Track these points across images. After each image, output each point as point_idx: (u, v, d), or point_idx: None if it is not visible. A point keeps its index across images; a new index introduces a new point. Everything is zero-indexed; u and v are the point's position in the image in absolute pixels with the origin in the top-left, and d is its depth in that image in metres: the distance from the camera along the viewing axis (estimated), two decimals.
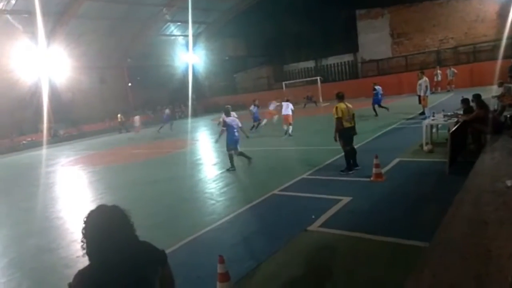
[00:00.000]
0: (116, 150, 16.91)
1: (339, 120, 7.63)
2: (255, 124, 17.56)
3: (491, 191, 4.12)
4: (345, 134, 7.75)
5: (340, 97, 7.90)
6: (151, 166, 12.66)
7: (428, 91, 13.95)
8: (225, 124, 9.73)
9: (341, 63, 33.12)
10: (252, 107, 17.56)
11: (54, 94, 27.35)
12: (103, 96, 31.85)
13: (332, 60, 33.52)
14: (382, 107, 16.06)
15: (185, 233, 5.60)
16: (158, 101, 35.67)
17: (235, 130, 9.60)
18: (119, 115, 28.63)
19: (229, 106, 10.42)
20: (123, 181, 10.86)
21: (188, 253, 5.01)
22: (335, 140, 7.85)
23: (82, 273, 1.73)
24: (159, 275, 1.85)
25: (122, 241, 1.74)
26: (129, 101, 34.55)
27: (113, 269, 1.69)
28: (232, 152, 9.64)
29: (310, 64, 34.76)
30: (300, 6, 29.79)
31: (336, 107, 7.67)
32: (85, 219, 1.77)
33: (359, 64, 31.23)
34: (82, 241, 1.74)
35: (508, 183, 4.16)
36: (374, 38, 29.33)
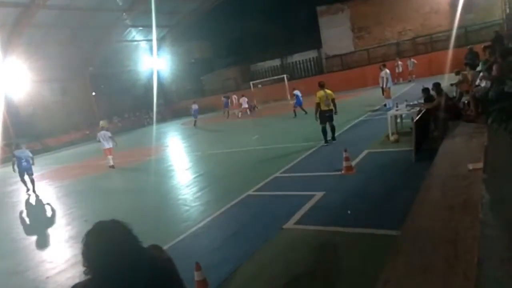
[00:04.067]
0: (84, 162, 16.33)
1: (317, 104, 9.80)
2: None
3: (455, 176, 4.29)
4: (323, 115, 9.85)
5: (321, 86, 9.92)
6: (121, 176, 12.32)
7: (390, 83, 14.42)
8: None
9: (306, 59, 33.59)
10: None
11: (12, 110, 26.10)
12: (66, 108, 30.71)
13: (297, 57, 33.95)
14: (303, 109, 18.01)
15: (159, 243, 5.45)
16: (123, 108, 34.84)
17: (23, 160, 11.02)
18: (101, 122, 27.83)
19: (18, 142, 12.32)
20: (93, 194, 10.51)
21: None
22: (316, 116, 9.98)
23: (84, 285, 1.61)
24: (172, 285, 1.77)
25: (128, 253, 1.63)
26: (94, 110, 33.49)
27: (119, 282, 1.58)
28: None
29: (276, 62, 35.04)
30: (263, 6, 30.02)
31: (316, 94, 9.84)
32: (85, 239, 1.64)
33: (324, 59, 31.80)
34: (83, 264, 1.60)
35: (470, 166, 4.34)
36: (336, 33, 29.95)
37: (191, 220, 6.34)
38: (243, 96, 25.02)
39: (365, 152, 8.45)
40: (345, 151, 7.26)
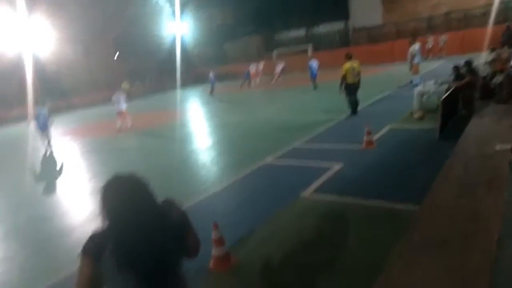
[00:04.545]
0: (106, 122, 16.67)
1: (343, 76, 9.74)
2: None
3: (480, 155, 4.20)
4: (349, 87, 9.84)
5: (348, 57, 9.87)
6: (142, 138, 12.57)
7: (419, 58, 13.88)
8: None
9: (332, 31, 32.53)
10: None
11: (39, 67, 26.59)
12: (89, 68, 31.06)
13: (323, 28, 32.89)
14: (314, 83, 17.56)
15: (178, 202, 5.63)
16: (145, 72, 34.98)
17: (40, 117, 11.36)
18: (123, 84, 28.19)
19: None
20: (114, 153, 10.81)
21: None
22: (340, 88, 9.96)
23: (101, 234, 1.70)
24: (182, 238, 1.83)
25: (143, 205, 1.73)
26: (116, 73, 33.75)
27: (134, 232, 1.67)
28: None
29: (301, 32, 34.07)
30: None
31: (343, 66, 9.76)
32: (103, 189, 1.73)
33: (350, 32, 30.75)
34: (101, 213, 1.69)
35: (497, 147, 4.23)
36: (365, 5, 28.77)
37: (209, 183, 6.48)
38: (277, 62, 25.12)
39: (387, 127, 8.31)
40: (367, 125, 7.16)
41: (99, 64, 32.00)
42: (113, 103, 13.84)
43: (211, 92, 22.53)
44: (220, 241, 3.71)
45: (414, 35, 16.48)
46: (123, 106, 13.64)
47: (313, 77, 17.67)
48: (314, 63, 17.86)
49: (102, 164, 9.47)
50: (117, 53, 34.08)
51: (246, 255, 3.91)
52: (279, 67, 24.47)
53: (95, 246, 1.66)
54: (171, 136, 11.73)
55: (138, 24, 33.16)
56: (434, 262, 2.55)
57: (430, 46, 22.87)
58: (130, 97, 28.52)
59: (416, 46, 13.78)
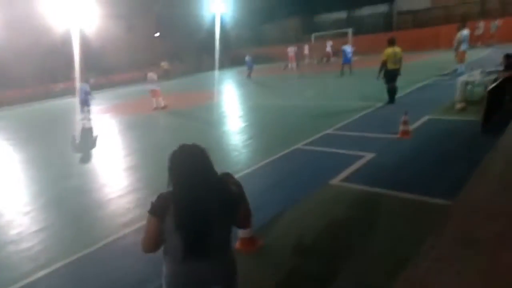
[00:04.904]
0: (144, 100, 17.17)
1: (384, 62, 9.48)
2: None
3: None
4: (389, 73, 9.52)
5: (391, 42, 9.57)
6: (177, 117, 12.86)
7: (466, 45, 13.06)
8: None
9: (375, 13, 31.20)
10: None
11: (84, 43, 27.62)
12: (130, 45, 31.86)
13: (366, 11, 31.63)
14: (349, 68, 17.27)
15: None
16: (185, 51, 35.39)
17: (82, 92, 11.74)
18: (162, 63, 29.22)
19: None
20: (151, 129, 11.17)
21: None
22: (378, 74, 9.67)
23: (166, 196, 1.91)
24: (235, 207, 2.01)
25: (204, 173, 1.93)
26: (157, 50, 34.43)
27: (194, 196, 1.86)
28: None
29: (342, 15, 32.99)
30: None
31: (384, 51, 9.49)
32: (171, 156, 1.93)
33: (395, 15, 29.36)
34: (168, 178, 1.92)
35: None
36: None
37: (241, 164, 6.56)
38: (329, 40, 25.54)
39: (426, 117, 7.98)
40: (405, 114, 6.91)
41: (140, 42, 32.73)
42: (147, 82, 14.47)
43: (249, 75, 22.36)
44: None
45: (463, 21, 15.49)
46: (155, 85, 14.22)
47: (347, 62, 17.16)
48: (349, 48, 17.34)
49: (138, 141, 9.83)
50: (158, 32, 34.65)
51: (272, 238, 3.96)
52: (329, 44, 25.20)
53: (160, 207, 1.88)
54: (206, 117, 11.91)
55: (180, 3, 33.42)
56: (464, 261, 2.46)
57: (480, 32, 21.40)
58: (169, 76, 29.42)
59: (463, 32, 12.97)
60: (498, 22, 21.54)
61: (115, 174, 7.12)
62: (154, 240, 1.91)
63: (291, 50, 25.27)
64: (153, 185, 6.01)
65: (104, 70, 30.50)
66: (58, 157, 9.02)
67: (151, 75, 14.35)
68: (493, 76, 7.95)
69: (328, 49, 25.21)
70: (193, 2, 34.16)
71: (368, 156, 6.06)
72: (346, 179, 5.27)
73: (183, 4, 33.71)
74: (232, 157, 7.22)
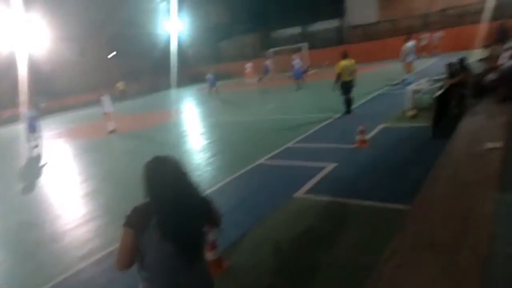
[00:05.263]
0: (99, 123, 16.55)
1: (338, 74, 9.75)
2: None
3: (472, 154, 4.19)
4: (344, 85, 9.82)
5: (344, 55, 9.90)
6: (135, 139, 12.50)
7: (413, 56, 13.88)
8: None
9: (328, 28, 32.49)
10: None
11: (33, 66, 26.39)
12: (84, 68, 30.88)
13: (319, 26, 32.84)
14: (297, 83, 17.36)
15: None
16: (141, 71, 34.85)
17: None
18: (118, 84, 28.97)
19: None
20: (107, 153, 10.75)
21: None
22: (334, 86, 9.92)
23: (143, 208, 1.88)
24: (210, 212, 2.11)
25: (182, 183, 1.98)
26: (111, 72, 33.61)
27: (177, 206, 1.87)
28: None
29: (297, 30, 34.03)
30: None
31: (338, 64, 9.79)
32: (146, 168, 1.96)
33: (346, 29, 30.73)
34: (143, 189, 1.89)
35: (488, 145, 4.22)
36: (361, 2, 28.74)
37: (203, 184, 6.43)
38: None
39: (381, 126, 8.31)
40: (361, 124, 7.15)
41: (93, 64, 31.83)
42: (100, 104, 13.97)
43: (216, 90, 21.36)
44: (212, 245, 3.67)
45: (409, 33, 16.49)
46: (110, 108, 13.76)
47: (296, 76, 17.37)
48: (298, 61, 17.68)
49: (94, 166, 9.42)
50: (113, 52, 33.89)
51: (239, 258, 3.89)
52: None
53: (137, 219, 1.84)
54: (165, 137, 11.68)
55: (134, 23, 33.00)
56: (426, 263, 2.54)
57: (425, 43, 22.87)
58: (125, 97, 28.78)
59: (409, 44, 13.79)
60: (440, 34, 23.17)
61: (71, 202, 6.74)
62: (130, 255, 1.86)
63: (249, 66, 25.64)
64: (113, 211, 5.75)
65: (56, 93, 29.24)
66: (5, 189, 8.42)
67: (104, 97, 13.93)
68: (439, 84, 8.46)
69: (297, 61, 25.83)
70: (148, 22, 33.90)
71: (330, 166, 6.18)
72: (310, 191, 5.32)
73: (137, 23, 33.32)
74: (194, 176, 7.07)
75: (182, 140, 10.92)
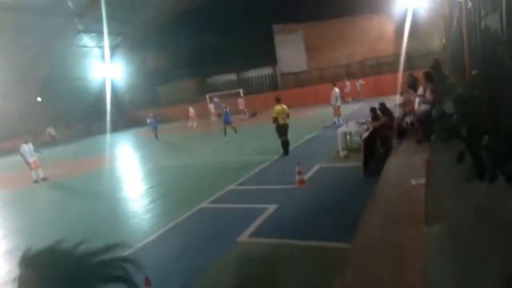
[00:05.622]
0: (23, 172, 15.13)
1: (275, 118, 10.22)
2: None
3: (399, 190, 4.58)
4: (281, 128, 10.30)
5: (278, 100, 10.44)
6: (65, 188, 11.59)
7: (339, 101, 15.17)
8: None
9: (261, 75, 34.28)
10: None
11: None
12: (7, 114, 28.48)
13: (253, 73, 34.54)
14: (231, 128, 17.53)
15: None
16: (72, 116, 33.14)
17: None
18: (49, 129, 27.58)
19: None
20: (32, 206, 9.78)
21: None
22: (276, 129, 10.39)
23: None
24: None
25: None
26: (39, 117, 31.45)
27: None
28: None
29: (233, 76, 35.36)
30: (220, 20, 30.26)
31: (274, 108, 10.29)
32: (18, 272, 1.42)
33: (279, 76, 32.65)
34: None
35: (413, 181, 4.65)
36: (291, 52, 30.98)
37: (141, 233, 6.11)
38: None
39: (317, 166, 8.72)
40: (298, 165, 7.45)
41: (19, 108, 29.53)
42: (22, 154, 12.77)
43: (156, 134, 20.31)
44: None
45: (333, 81, 18.03)
46: (31, 157, 12.74)
47: (227, 121, 17.44)
48: (227, 108, 18.09)
49: (16, 220, 8.49)
50: (39, 98, 31.93)
51: None
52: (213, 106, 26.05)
53: None
54: (99, 184, 11.00)
55: (63, 67, 31.67)
56: None
57: (348, 89, 24.99)
58: (56, 143, 26.96)
59: (336, 90, 15.08)
60: (361, 81, 25.65)
61: None
62: None
63: (192, 110, 25.82)
64: None
65: None
66: None
67: (26, 146, 12.81)
68: (365, 126, 9.23)
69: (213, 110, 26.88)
70: (78, 66, 32.82)
71: (271, 207, 6.27)
72: (253, 234, 5.32)
73: (67, 68, 32.05)
74: (131, 225, 6.71)
75: (117, 187, 10.36)
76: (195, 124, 24.74)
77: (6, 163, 21.38)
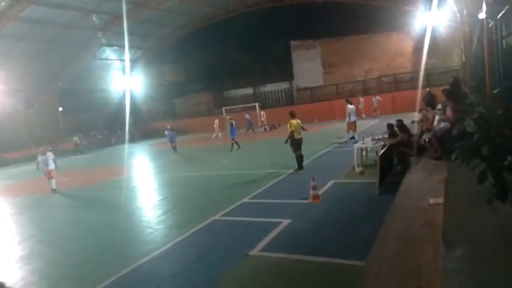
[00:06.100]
0: (42, 179, 15.49)
1: (291, 132, 10.16)
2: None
3: (417, 209, 4.46)
4: (296, 143, 10.22)
5: (293, 115, 10.44)
6: (83, 196, 11.77)
7: (354, 117, 15.14)
8: None
9: (278, 90, 34.50)
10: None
11: None
12: (29, 121, 29.35)
13: (269, 88, 34.80)
14: (235, 143, 17.05)
15: (119, 265, 5.23)
16: (92, 126, 33.95)
17: None
18: (75, 138, 28.99)
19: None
20: (49, 213, 9.95)
21: (121, 287, 4.66)
22: (285, 142, 10.40)
23: None
24: None
25: None
26: (60, 126, 32.28)
27: None
28: None
29: (249, 91, 35.70)
30: (238, 36, 30.75)
31: (290, 123, 10.25)
32: None
33: (295, 91, 32.76)
34: None
35: (431, 201, 4.54)
36: (308, 68, 31.14)
37: (154, 243, 6.12)
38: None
39: (332, 182, 8.62)
40: (313, 179, 7.38)
41: (40, 117, 30.43)
42: (40, 163, 12.67)
43: (174, 146, 19.82)
44: None
45: (347, 98, 18.04)
46: (52, 166, 12.55)
47: (232, 136, 17.06)
48: (233, 122, 17.57)
49: (32, 226, 8.63)
50: (60, 108, 32.88)
51: None
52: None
53: None
54: (115, 194, 11.12)
55: (86, 78, 32.62)
56: None
57: (362, 106, 24.71)
58: (81, 150, 27.83)
59: (350, 106, 15.12)
60: (378, 97, 25.42)
61: (3, 268, 6.02)
62: None
63: (216, 121, 25.83)
64: (51, 276, 5.22)
65: None
66: None
67: (46, 155, 12.69)
68: (382, 143, 9.11)
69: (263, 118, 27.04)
70: (101, 78, 33.68)
71: (285, 222, 6.19)
72: (265, 248, 5.25)
73: (90, 79, 32.97)
74: (144, 235, 6.73)
75: (132, 196, 10.46)
76: (220, 135, 24.96)
77: (26, 170, 21.89)
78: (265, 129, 26.62)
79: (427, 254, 3.25)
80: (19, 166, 24.35)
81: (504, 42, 6.24)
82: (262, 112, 27.73)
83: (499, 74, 6.31)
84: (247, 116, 26.99)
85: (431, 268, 3.01)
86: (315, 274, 4.35)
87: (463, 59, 21.30)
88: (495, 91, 6.37)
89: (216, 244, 5.80)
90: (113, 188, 12.23)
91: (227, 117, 19.38)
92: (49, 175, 12.60)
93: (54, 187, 12.54)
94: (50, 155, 12.76)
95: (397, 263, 3.23)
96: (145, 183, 12.81)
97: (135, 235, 6.84)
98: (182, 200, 9.31)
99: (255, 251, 5.17)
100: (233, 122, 17.65)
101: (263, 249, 5.23)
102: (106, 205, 9.76)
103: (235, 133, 17.26)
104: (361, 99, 25.04)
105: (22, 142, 28.24)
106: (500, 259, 2.89)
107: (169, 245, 5.94)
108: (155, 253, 5.63)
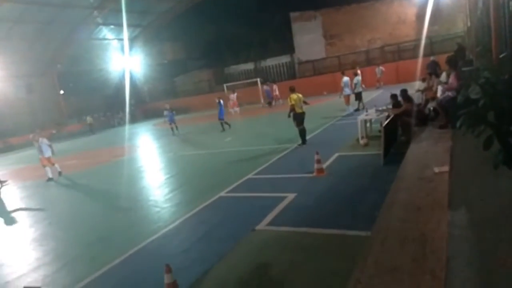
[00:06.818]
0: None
1: (292, 106, 10.10)
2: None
3: (421, 178, 4.46)
4: (298, 117, 10.16)
5: (292, 90, 10.34)
6: (89, 177, 11.90)
7: (349, 90, 15.24)
8: None
9: (279, 64, 33.96)
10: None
11: None
12: (32, 106, 29.41)
13: (270, 62, 34.26)
14: (224, 123, 16.71)
15: (128, 244, 5.33)
16: (93, 108, 33.92)
17: None
18: (88, 117, 29.79)
19: None
20: (57, 195, 10.10)
21: (132, 266, 4.76)
22: (288, 116, 10.37)
23: None
24: None
25: None
26: (62, 109, 32.30)
27: None
28: None
29: (250, 66, 35.19)
30: (237, 10, 30.11)
31: (290, 97, 10.17)
32: None
33: (296, 64, 32.25)
34: None
35: (436, 169, 4.53)
36: (309, 40, 30.48)
37: (162, 221, 6.22)
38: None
39: (336, 155, 8.61)
40: (317, 153, 7.37)
41: (42, 101, 30.45)
42: (37, 148, 11.85)
43: (175, 129, 19.09)
44: (173, 285, 3.52)
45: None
46: (48, 153, 11.77)
47: (220, 116, 16.60)
48: (222, 101, 17.08)
49: (42, 209, 8.77)
50: (61, 91, 32.78)
51: None
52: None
53: None
54: (121, 173, 11.22)
55: (84, 59, 32.34)
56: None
57: (380, 75, 24.25)
58: (93, 131, 29.00)
59: (344, 79, 15.01)
60: (382, 68, 24.95)
61: (16, 250, 6.18)
62: None
63: (233, 97, 25.86)
64: (64, 257, 5.35)
65: (1, 133, 27.50)
66: None
67: (42, 141, 11.80)
68: (385, 114, 9.03)
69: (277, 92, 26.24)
70: (100, 58, 33.36)
71: (290, 196, 6.24)
72: (272, 223, 5.31)
73: (88, 60, 32.68)
74: (152, 214, 6.83)
75: (139, 176, 10.56)
76: (238, 110, 25.20)
77: (31, 155, 22.08)
78: (276, 101, 26.00)
79: (433, 222, 3.27)
80: (25, 151, 24.55)
81: (510, 4, 6.03)
82: (275, 86, 26.57)
83: (505, 38, 6.13)
84: (265, 87, 26.76)
85: (437, 235, 3.03)
86: (322, 246, 4.41)
87: (468, 24, 20.74)
88: (501, 56, 6.22)
89: (223, 220, 5.88)
90: (118, 168, 12.33)
91: (217, 97, 18.37)
92: (43, 163, 11.84)
93: (50, 175, 11.81)
94: (42, 141, 11.86)
95: (402, 231, 3.25)
96: (151, 162, 12.90)
97: (143, 214, 6.94)
98: (188, 178, 9.38)
99: (261, 226, 5.24)
100: (221, 101, 17.07)
101: (269, 224, 5.29)
102: (113, 186, 9.87)
103: (223, 112, 16.73)
104: (359, 71, 24.64)
105: (26, 127, 28.38)
106: (506, 225, 2.90)
107: (177, 222, 6.03)
108: (163, 231, 5.73)
